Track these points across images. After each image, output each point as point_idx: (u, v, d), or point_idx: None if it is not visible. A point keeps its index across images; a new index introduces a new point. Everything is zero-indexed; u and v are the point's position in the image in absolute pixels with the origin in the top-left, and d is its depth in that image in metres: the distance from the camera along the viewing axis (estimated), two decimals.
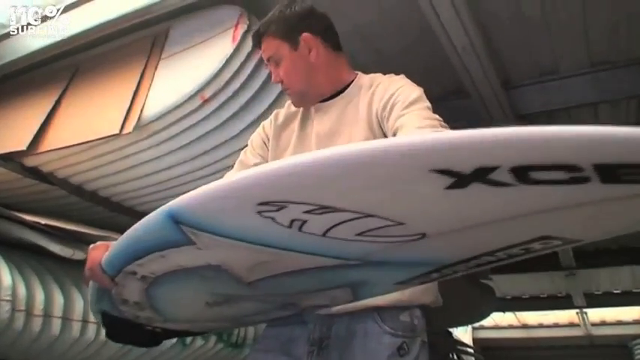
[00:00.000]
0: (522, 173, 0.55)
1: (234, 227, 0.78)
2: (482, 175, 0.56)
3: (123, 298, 1.10)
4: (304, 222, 0.73)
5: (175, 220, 0.78)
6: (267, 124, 1.48)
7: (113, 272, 1.02)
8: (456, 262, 0.89)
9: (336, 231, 0.75)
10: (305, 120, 1.39)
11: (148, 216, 0.84)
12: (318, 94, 1.37)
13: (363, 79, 1.37)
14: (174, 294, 1.11)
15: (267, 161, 1.41)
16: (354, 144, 0.59)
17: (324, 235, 0.76)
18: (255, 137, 1.48)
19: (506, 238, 0.79)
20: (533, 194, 0.59)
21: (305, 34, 1.34)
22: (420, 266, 0.93)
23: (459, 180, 0.57)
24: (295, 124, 1.40)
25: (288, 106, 1.46)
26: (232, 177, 0.70)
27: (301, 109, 1.42)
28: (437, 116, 1.20)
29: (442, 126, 1.16)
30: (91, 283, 1.10)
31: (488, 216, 0.70)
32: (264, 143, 1.44)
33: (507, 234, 0.77)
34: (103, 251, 1.03)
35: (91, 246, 1.10)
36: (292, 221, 0.73)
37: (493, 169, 0.55)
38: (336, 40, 1.41)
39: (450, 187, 0.58)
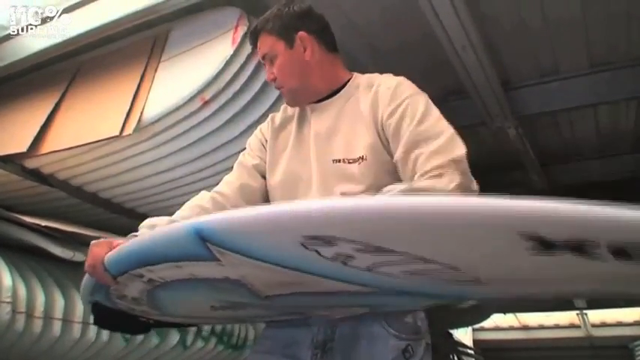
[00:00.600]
0: (619, 250, 0.55)
1: (268, 252, 0.76)
2: (574, 246, 0.56)
3: (122, 294, 1.09)
4: (351, 257, 0.71)
5: (202, 237, 0.76)
6: (264, 126, 1.48)
7: (117, 273, 1.00)
8: (490, 299, 0.89)
9: (383, 268, 0.73)
10: (302, 121, 1.39)
11: (170, 229, 0.83)
12: (312, 93, 1.37)
13: (360, 78, 1.37)
14: (179, 297, 1.09)
15: (265, 163, 1.40)
16: (434, 198, 0.59)
17: (367, 270, 0.74)
18: (253, 140, 1.48)
19: (552, 291, 0.78)
20: (613, 266, 0.59)
21: (301, 33, 1.34)
22: (453, 298, 0.92)
23: (547, 247, 0.57)
24: (292, 126, 1.40)
25: (284, 110, 1.46)
26: (281, 207, 0.68)
27: (297, 111, 1.41)
28: (445, 125, 1.21)
29: (452, 152, 1.16)
30: (87, 276, 1.09)
31: (555, 276, 0.70)
32: (262, 145, 1.44)
33: (558, 289, 0.76)
34: (106, 249, 1.01)
35: (93, 242, 1.07)
36: (337, 255, 0.71)
37: (590, 244, 0.55)
38: (332, 40, 1.41)
39: (533, 250, 0.58)
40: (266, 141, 1.44)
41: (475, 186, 1.14)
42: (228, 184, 1.39)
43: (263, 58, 1.39)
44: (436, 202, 0.58)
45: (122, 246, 0.98)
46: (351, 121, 1.29)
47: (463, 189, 1.08)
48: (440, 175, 1.09)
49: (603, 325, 7.93)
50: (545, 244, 0.56)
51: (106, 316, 1.24)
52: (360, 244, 0.66)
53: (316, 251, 0.70)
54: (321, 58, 1.37)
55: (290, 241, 0.69)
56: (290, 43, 1.35)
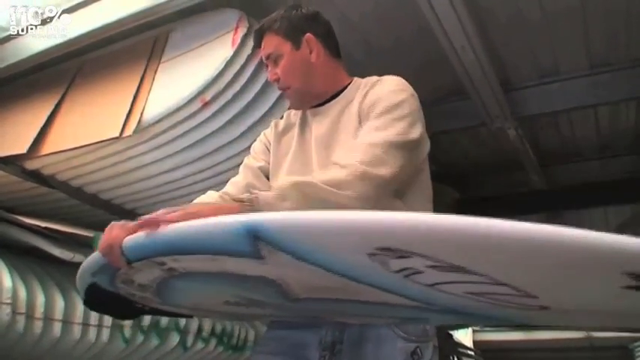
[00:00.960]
0: None
1: (326, 257, 0.73)
2: None
3: (129, 279, 1.04)
4: (419, 273, 0.68)
5: (255, 235, 0.72)
6: (267, 131, 1.49)
7: (135, 258, 0.93)
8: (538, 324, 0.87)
9: (448, 286, 0.71)
10: (304, 126, 1.40)
11: (217, 221, 0.78)
12: (314, 96, 1.37)
13: (359, 82, 1.37)
14: (194, 289, 1.07)
15: (269, 165, 1.41)
16: (546, 228, 0.55)
17: (429, 286, 0.72)
18: (257, 144, 1.49)
19: (615, 323, 0.77)
20: None
21: (308, 35, 1.35)
22: (502, 321, 0.91)
23: None
24: (295, 131, 1.40)
25: (287, 116, 1.47)
26: (356, 214, 0.64)
27: (299, 116, 1.42)
28: (400, 129, 1.17)
29: (390, 144, 1.14)
30: (95, 256, 1.02)
31: (628, 309, 0.68)
32: (267, 148, 1.45)
33: (622, 321, 0.75)
34: (125, 233, 0.94)
35: (114, 223, 0.99)
36: (403, 269, 0.68)
37: None
38: (337, 45, 1.42)
39: (629, 287, 0.57)
40: (270, 143, 1.45)
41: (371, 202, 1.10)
42: (235, 184, 1.41)
43: (267, 57, 1.38)
44: (549, 232, 0.55)
45: (151, 232, 0.90)
46: (348, 124, 1.29)
47: (359, 197, 1.06)
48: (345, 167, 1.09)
49: None
50: None
51: (99, 298, 1.18)
52: (439, 261, 0.63)
53: (383, 263, 0.67)
54: (326, 61, 1.38)
55: (357, 250, 0.66)
56: (296, 45, 1.35)
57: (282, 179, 1.09)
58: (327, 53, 1.38)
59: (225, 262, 0.83)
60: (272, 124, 1.50)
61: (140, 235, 0.91)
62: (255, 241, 0.72)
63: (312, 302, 0.97)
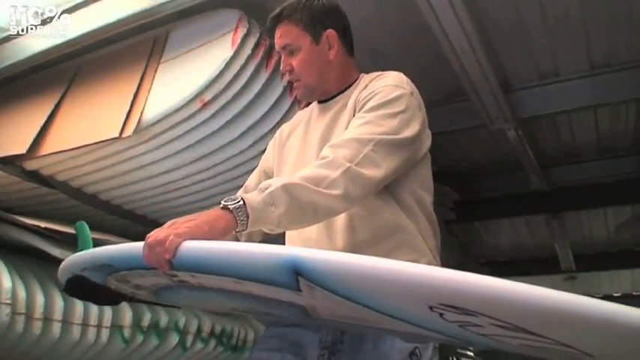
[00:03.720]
0: None
1: (375, 300, 0.70)
2: None
3: (127, 279, 1.01)
4: (479, 326, 0.66)
5: (297, 271, 0.69)
6: (271, 143, 1.49)
7: (177, 267, 0.86)
8: None
9: (505, 338, 0.69)
10: (308, 124, 1.39)
11: (266, 252, 0.73)
12: (324, 91, 1.36)
13: (363, 78, 1.36)
14: (201, 297, 1.05)
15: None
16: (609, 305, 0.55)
17: (485, 335, 0.70)
18: (265, 154, 1.50)
19: None
20: None
21: (329, 31, 1.33)
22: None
23: None
24: (300, 130, 1.40)
25: (292, 121, 1.47)
26: (424, 270, 0.61)
27: (305, 116, 1.42)
28: (392, 126, 1.16)
29: (379, 142, 1.13)
30: (93, 253, 0.98)
31: None
32: (275, 154, 1.45)
33: None
34: (184, 237, 0.87)
35: (172, 222, 0.92)
36: (464, 323, 0.66)
37: None
38: (352, 42, 1.40)
39: None
40: (277, 149, 1.44)
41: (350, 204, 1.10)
42: (248, 188, 1.41)
43: (283, 47, 1.34)
44: (623, 312, 0.55)
45: (199, 241, 0.85)
46: (345, 119, 1.28)
47: (344, 196, 1.05)
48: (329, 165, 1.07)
49: None
50: None
51: (85, 287, 1.13)
52: (506, 323, 0.62)
53: (441, 314, 0.64)
54: (342, 59, 1.36)
55: (417, 302, 0.63)
56: (316, 39, 1.32)
57: (274, 179, 1.09)
58: (344, 51, 1.36)
59: (253, 287, 0.80)
60: (278, 131, 1.49)
61: (201, 243, 0.84)
62: (297, 276, 0.70)
63: (331, 321, 0.96)
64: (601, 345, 0.65)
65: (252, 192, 1.02)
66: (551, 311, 0.57)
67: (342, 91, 1.36)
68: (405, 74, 1.31)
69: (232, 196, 0.99)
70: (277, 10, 1.35)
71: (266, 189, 1.01)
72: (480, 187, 3.84)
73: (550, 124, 3.09)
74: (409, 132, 1.18)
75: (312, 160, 1.28)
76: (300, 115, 1.45)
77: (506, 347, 0.77)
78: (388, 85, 1.24)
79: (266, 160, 1.48)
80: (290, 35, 1.32)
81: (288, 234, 1.31)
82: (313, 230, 1.22)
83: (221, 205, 0.97)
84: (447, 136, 3.05)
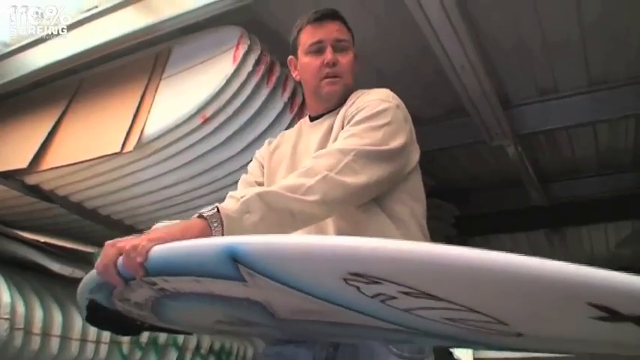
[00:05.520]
0: None
1: (303, 281, 0.73)
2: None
3: (125, 297, 1.05)
4: (392, 298, 0.68)
5: (234, 258, 0.72)
6: (261, 149, 1.52)
7: (129, 277, 0.94)
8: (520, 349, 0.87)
9: (423, 311, 0.71)
10: (298, 138, 1.42)
11: (199, 243, 0.79)
12: (340, 100, 1.38)
13: (351, 95, 1.38)
14: (186, 308, 1.07)
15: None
16: (510, 257, 0.54)
17: (405, 311, 0.72)
18: (252, 163, 1.51)
19: (588, 349, 0.77)
20: None
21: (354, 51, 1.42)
22: (484, 346, 0.90)
23: (612, 317, 0.56)
24: (290, 144, 1.42)
25: (281, 135, 1.51)
26: (330, 240, 0.66)
27: (294, 131, 1.45)
28: (376, 138, 1.18)
29: (360, 153, 1.14)
30: (92, 274, 1.03)
31: (601, 338, 0.68)
32: (262, 164, 1.47)
33: (595, 348, 0.76)
34: (156, 242, 0.92)
35: (109, 242, 0.99)
36: (378, 295, 0.68)
37: None
38: None
39: (596, 318, 0.57)
40: (264, 160, 1.46)
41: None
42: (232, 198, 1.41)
43: (337, 41, 1.38)
44: (515, 262, 0.54)
45: (170, 244, 0.90)
46: (333, 134, 1.30)
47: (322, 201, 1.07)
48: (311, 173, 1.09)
49: None
50: (612, 314, 0.55)
51: (99, 314, 1.19)
52: (410, 288, 0.64)
53: (357, 288, 0.67)
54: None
55: (332, 274, 0.66)
56: (353, 45, 1.42)
57: (249, 190, 1.10)
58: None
59: (210, 284, 0.83)
60: (266, 142, 1.52)
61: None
62: (236, 264, 0.73)
63: (295, 323, 0.98)
64: (498, 305, 0.64)
65: (229, 200, 1.04)
66: (437, 264, 0.58)
67: (334, 109, 1.38)
68: (408, 92, 1.35)
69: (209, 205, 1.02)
70: (330, 9, 1.41)
71: (242, 197, 1.04)
72: (481, 203, 3.84)
73: (550, 140, 3.10)
74: (394, 144, 1.20)
75: None
76: (288, 134, 1.48)
77: (437, 328, 0.78)
78: (374, 99, 1.27)
79: (257, 167, 1.49)
80: (345, 33, 1.41)
81: None
82: None
83: (197, 214, 1.00)
84: (447, 152, 3.05)
